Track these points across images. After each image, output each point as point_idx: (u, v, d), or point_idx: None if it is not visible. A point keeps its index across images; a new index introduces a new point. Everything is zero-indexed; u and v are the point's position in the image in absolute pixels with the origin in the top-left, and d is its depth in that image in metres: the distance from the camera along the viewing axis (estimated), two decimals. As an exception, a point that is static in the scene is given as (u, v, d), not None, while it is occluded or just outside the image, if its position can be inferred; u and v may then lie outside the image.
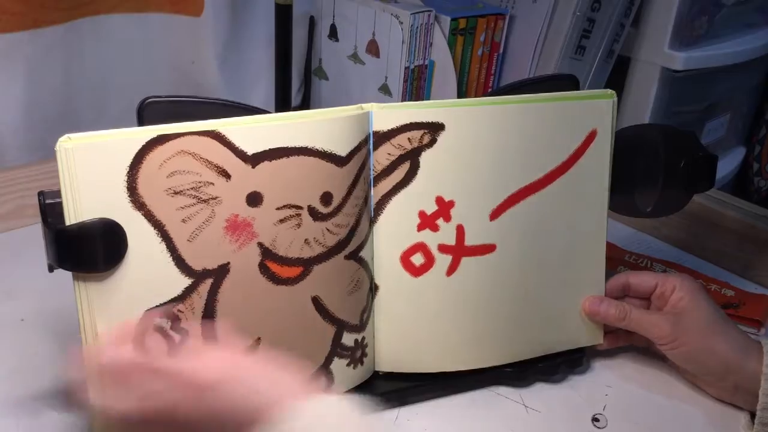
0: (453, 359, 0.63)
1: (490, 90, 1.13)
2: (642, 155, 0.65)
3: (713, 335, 0.61)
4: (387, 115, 0.56)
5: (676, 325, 0.61)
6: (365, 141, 0.56)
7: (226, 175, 0.51)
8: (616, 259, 0.82)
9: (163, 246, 0.51)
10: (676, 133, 0.67)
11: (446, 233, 0.59)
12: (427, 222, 0.59)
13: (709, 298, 0.63)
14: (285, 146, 0.52)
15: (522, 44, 1.09)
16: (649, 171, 0.66)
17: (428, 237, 0.59)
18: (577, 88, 0.64)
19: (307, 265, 0.55)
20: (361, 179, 0.56)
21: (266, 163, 0.52)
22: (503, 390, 0.65)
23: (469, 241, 0.60)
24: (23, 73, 0.90)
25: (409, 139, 0.56)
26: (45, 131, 0.94)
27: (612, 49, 1.09)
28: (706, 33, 1.15)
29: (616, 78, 1.14)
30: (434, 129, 0.57)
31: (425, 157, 0.57)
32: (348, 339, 0.59)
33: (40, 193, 0.48)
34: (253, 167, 0.51)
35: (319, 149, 0.53)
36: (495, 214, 0.60)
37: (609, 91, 0.62)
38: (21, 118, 0.92)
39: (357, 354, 0.60)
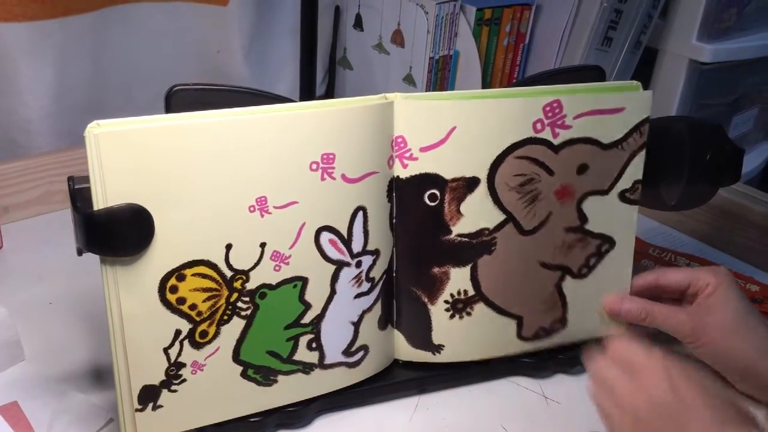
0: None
1: (514, 81, 1.13)
2: (668, 147, 0.65)
3: (735, 335, 0.60)
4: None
5: (699, 323, 0.60)
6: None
7: None
8: (640, 253, 0.81)
9: (189, 232, 0.51)
10: (703, 126, 0.66)
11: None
12: None
13: (739, 294, 0.61)
14: None
15: (548, 35, 1.08)
16: (675, 163, 0.65)
17: None
18: (604, 80, 0.64)
19: None
20: None
21: None
22: (523, 381, 0.65)
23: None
24: (53, 60, 0.92)
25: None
26: (74, 118, 0.95)
27: (639, 40, 1.08)
28: (735, 25, 1.14)
29: (643, 70, 1.13)
30: None
31: None
32: None
33: (70, 178, 0.49)
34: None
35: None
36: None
37: (634, 82, 0.61)
38: (50, 105, 0.94)
39: None
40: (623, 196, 0.62)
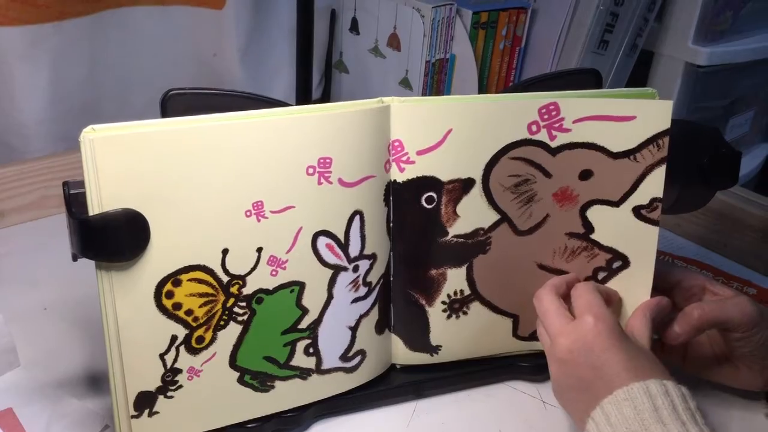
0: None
1: (511, 84, 1.13)
2: (664, 151, 0.65)
3: None
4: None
5: (756, 304, 0.58)
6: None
7: None
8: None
9: (185, 237, 0.51)
10: (699, 129, 0.66)
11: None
12: None
13: None
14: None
15: (544, 38, 1.09)
16: (672, 167, 0.65)
17: None
18: (600, 83, 0.64)
19: None
20: None
21: None
22: (521, 385, 0.65)
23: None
24: (48, 64, 0.91)
25: None
26: (69, 122, 0.95)
27: (635, 43, 1.08)
28: (731, 28, 1.14)
29: (639, 73, 1.13)
30: None
31: None
32: None
33: (65, 183, 0.49)
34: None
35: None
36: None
37: (649, 90, 0.60)
38: (45, 109, 0.94)
39: None
40: (639, 214, 0.59)
